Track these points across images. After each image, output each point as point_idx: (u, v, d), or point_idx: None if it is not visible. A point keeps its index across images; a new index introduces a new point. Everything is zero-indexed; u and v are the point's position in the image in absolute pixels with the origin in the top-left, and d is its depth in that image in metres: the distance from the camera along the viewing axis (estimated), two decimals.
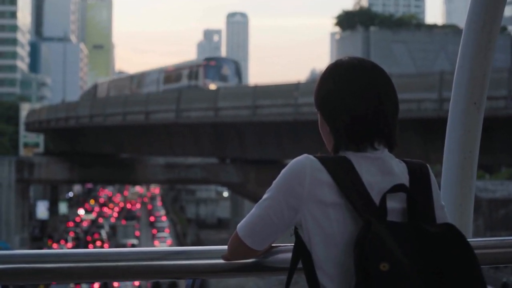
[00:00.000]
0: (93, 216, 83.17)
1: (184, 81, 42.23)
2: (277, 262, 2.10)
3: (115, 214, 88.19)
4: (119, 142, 42.92)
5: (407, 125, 23.00)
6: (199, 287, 2.18)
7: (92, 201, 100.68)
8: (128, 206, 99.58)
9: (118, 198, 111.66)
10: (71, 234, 64.30)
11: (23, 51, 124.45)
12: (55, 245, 57.82)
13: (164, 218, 79.30)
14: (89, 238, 62.84)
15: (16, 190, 53.06)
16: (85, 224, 74.36)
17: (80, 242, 61.49)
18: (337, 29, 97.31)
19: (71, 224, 71.77)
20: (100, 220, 77.70)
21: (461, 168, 2.76)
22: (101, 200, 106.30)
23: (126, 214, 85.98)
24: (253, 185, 40.47)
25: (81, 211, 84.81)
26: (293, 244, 1.97)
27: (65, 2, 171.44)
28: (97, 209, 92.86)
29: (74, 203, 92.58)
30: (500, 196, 37.18)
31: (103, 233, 64.52)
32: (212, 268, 2.12)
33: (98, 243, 60.01)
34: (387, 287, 1.73)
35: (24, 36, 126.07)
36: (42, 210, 66.57)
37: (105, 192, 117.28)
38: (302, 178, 1.89)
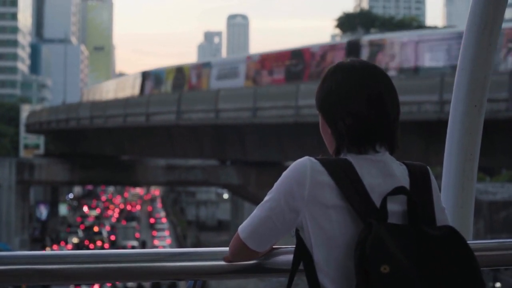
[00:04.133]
0: (97, 212, 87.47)
1: None
2: (278, 264, 2.10)
3: (116, 215, 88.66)
4: (119, 144, 42.91)
5: (408, 127, 22.98)
6: None
7: (103, 197, 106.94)
8: (128, 207, 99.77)
9: (118, 199, 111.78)
10: (82, 227, 69.47)
11: (23, 53, 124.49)
12: (55, 247, 57.92)
13: (164, 220, 79.34)
14: (95, 228, 67.66)
15: (17, 192, 53.04)
16: (90, 220, 78.40)
17: (89, 232, 65.87)
18: (337, 31, 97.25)
19: (79, 219, 77.75)
20: (101, 225, 79.62)
21: (461, 170, 2.76)
22: (103, 198, 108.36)
23: (127, 215, 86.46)
24: (253, 187, 40.46)
25: (85, 208, 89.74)
26: (294, 246, 1.98)
27: (65, 4, 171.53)
28: (101, 206, 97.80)
29: (75, 206, 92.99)
30: (501, 199, 37.09)
31: (104, 233, 65.57)
32: (213, 270, 2.13)
33: (99, 243, 60.42)
34: None
35: (24, 38, 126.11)
36: (42, 211, 66.71)
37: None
38: (303, 180, 1.90)
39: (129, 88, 49.96)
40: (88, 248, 56.00)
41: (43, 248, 57.10)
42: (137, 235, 67.73)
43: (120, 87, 53.59)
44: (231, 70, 38.75)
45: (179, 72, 44.13)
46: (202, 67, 41.95)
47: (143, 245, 62.60)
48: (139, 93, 46.78)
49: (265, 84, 34.07)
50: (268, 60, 35.92)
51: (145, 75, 48.43)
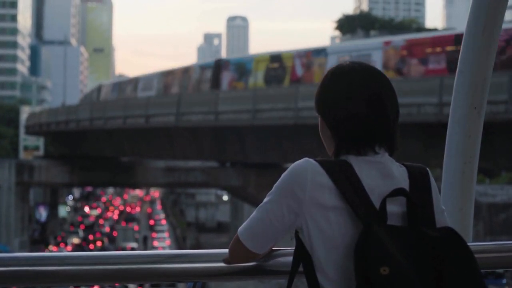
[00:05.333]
0: (97, 212, 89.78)
1: None
2: (277, 266, 2.10)
3: (115, 217, 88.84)
4: (119, 146, 42.90)
5: (407, 129, 22.98)
6: None
7: (103, 199, 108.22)
8: (128, 209, 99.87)
9: (118, 201, 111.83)
10: (82, 227, 70.88)
11: (23, 54, 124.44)
12: (54, 248, 57.94)
13: (163, 222, 79.37)
14: (93, 234, 67.92)
15: (16, 193, 53.07)
16: (91, 219, 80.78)
17: (89, 232, 67.06)
18: (337, 33, 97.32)
19: (80, 218, 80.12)
20: (101, 221, 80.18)
21: (461, 172, 2.76)
22: (103, 199, 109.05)
23: (126, 217, 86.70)
24: (253, 189, 40.46)
25: (86, 208, 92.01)
26: (293, 248, 1.98)
27: (65, 5, 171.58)
28: (102, 206, 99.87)
29: (75, 207, 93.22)
30: (500, 201, 37.11)
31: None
32: (213, 271, 2.13)
33: (99, 243, 60.49)
34: None
35: (24, 39, 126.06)
36: (41, 213, 66.77)
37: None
38: (302, 181, 1.90)
39: (192, 81, 40.45)
40: (88, 249, 56.13)
41: (46, 247, 57.30)
42: (137, 236, 67.82)
43: (172, 80, 43.16)
44: (360, 58, 29.49)
45: (276, 61, 35.15)
46: (312, 55, 33.36)
47: (144, 240, 62.86)
48: (211, 87, 37.72)
49: (416, 75, 28.16)
50: (419, 46, 29.06)
51: (221, 64, 38.50)
